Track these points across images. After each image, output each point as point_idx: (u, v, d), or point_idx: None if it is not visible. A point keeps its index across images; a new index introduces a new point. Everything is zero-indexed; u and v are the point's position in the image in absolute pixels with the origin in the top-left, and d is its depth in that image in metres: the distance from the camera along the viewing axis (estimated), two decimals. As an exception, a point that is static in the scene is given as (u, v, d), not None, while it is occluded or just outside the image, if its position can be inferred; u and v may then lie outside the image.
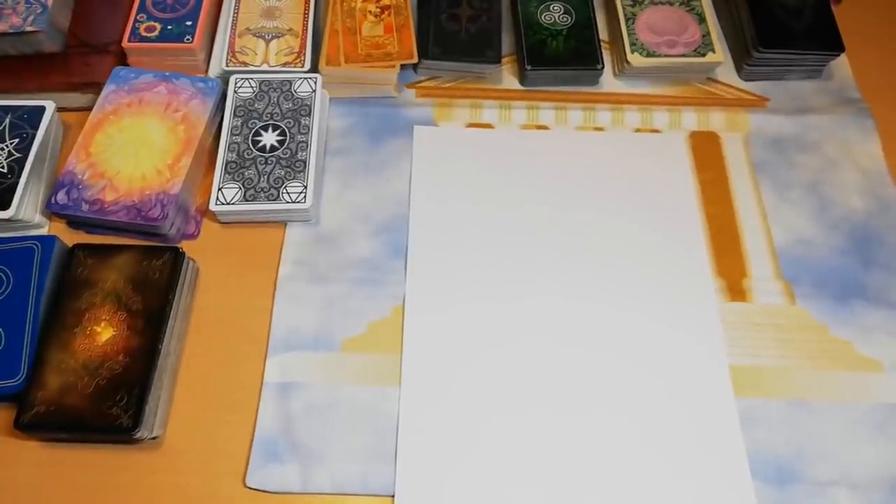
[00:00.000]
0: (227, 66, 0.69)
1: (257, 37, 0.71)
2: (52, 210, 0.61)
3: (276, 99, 0.67)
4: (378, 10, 0.73)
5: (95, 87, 0.68)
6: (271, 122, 0.66)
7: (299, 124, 0.65)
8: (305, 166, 0.63)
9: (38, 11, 0.65)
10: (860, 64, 0.76)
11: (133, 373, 0.53)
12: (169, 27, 0.70)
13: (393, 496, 0.53)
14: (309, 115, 0.66)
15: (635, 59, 0.72)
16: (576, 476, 0.53)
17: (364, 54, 0.70)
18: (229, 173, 0.63)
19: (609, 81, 0.75)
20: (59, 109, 0.67)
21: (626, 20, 0.74)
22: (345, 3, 0.73)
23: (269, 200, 0.62)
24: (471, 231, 0.64)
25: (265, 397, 0.56)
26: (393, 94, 0.72)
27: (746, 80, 0.75)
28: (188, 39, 0.70)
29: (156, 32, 0.70)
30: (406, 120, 0.71)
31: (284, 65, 0.69)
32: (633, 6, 0.75)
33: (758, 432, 0.55)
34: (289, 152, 0.64)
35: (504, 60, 0.74)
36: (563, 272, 0.62)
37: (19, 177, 0.61)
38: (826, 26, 0.73)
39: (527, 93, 0.73)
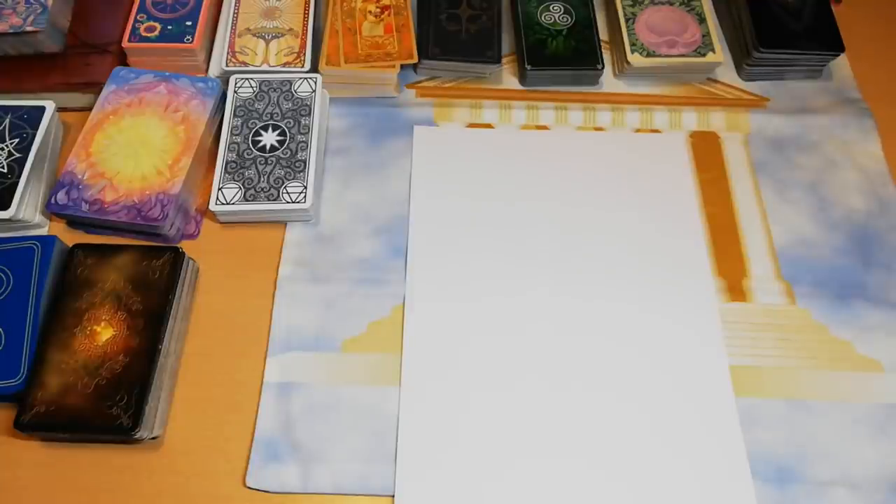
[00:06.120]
0: (227, 66, 0.69)
1: (257, 37, 0.71)
2: (52, 210, 0.61)
3: (276, 99, 0.67)
4: (378, 10, 0.73)
5: (95, 87, 0.68)
6: (271, 122, 0.66)
7: (299, 124, 0.65)
8: (305, 166, 0.63)
9: (38, 11, 0.65)
10: (860, 64, 0.76)
11: (133, 373, 0.53)
12: (169, 27, 0.70)
13: (393, 496, 0.53)
14: (309, 115, 0.66)
15: (635, 59, 0.72)
16: (577, 476, 0.53)
17: (364, 54, 0.70)
18: (229, 173, 0.63)
19: (609, 81, 0.75)
20: (59, 109, 0.67)
21: (626, 20, 0.74)
22: (345, 3, 0.73)
23: (269, 200, 0.62)
24: (471, 231, 0.64)
25: (265, 397, 0.56)
26: (393, 94, 0.72)
27: (746, 80, 0.75)
28: (188, 39, 0.70)
29: (156, 32, 0.70)
30: (406, 120, 0.71)
31: (284, 65, 0.69)
32: (633, 6, 0.75)
33: (758, 432, 0.55)
34: (289, 152, 0.64)
35: (504, 60, 0.74)
36: (564, 272, 0.62)
37: (19, 177, 0.61)
38: (826, 26, 0.73)
39: (527, 93, 0.73)
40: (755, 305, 0.61)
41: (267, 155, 0.64)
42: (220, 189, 0.62)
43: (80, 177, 0.61)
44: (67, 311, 0.55)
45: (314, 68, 0.70)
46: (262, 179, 0.63)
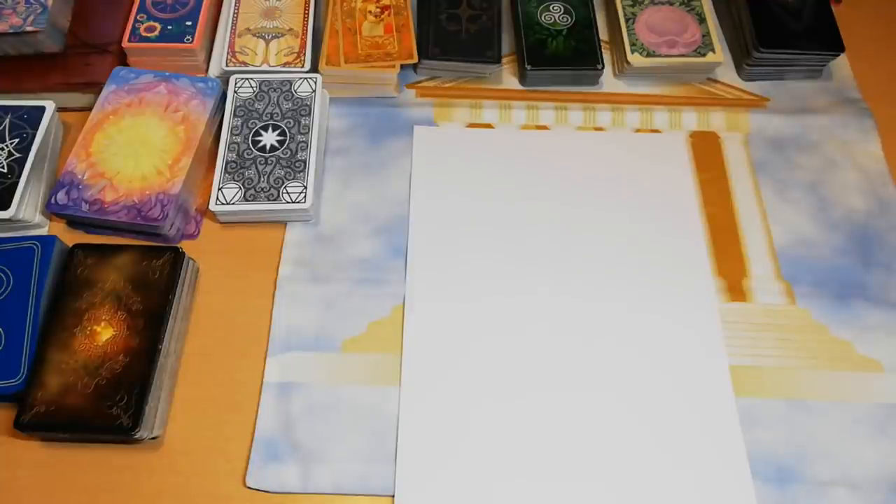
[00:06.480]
0: (227, 66, 0.69)
1: (257, 37, 0.71)
2: (52, 210, 0.61)
3: (276, 99, 0.67)
4: (378, 10, 0.73)
5: (95, 87, 0.68)
6: (271, 122, 0.66)
7: (299, 124, 0.65)
8: (305, 166, 0.63)
9: (38, 11, 0.65)
10: (860, 64, 0.76)
11: (133, 373, 0.53)
12: (169, 27, 0.70)
13: (393, 496, 0.53)
14: (309, 115, 0.66)
15: (635, 59, 0.72)
16: (577, 476, 0.53)
17: (364, 54, 0.70)
18: (229, 173, 0.63)
19: (609, 81, 0.75)
20: (59, 109, 0.67)
21: (626, 20, 0.74)
22: (345, 3, 0.73)
23: (269, 200, 0.62)
24: (471, 231, 0.64)
25: (265, 397, 0.56)
26: (393, 94, 0.72)
27: (746, 80, 0.75)
28: (188, 39, 0.70)
29: (156, 32, 0.70)
30: (406, 120, 0.71)
31: (284, 65, 0.69)
32: (633, 6, 0.75)
33: (758, 432, 0.55)
34: (289, 152, 0.64)
35: (504, 60, 0.74)
36: (564, 273, 0.62)
37: (19, 177, 0.61)
38: (826, 26, 0.73)
39: (527, 93, 0.73)
40: (755, 305, 0.61)
41: (267, 155, 0.64)
42: (220, 189, 0.62)
43: (80, 177, 0.61)
44: (67, 311, 0.55)
45: (314, 68, 0.70)
46: (262, 179, 0.63)
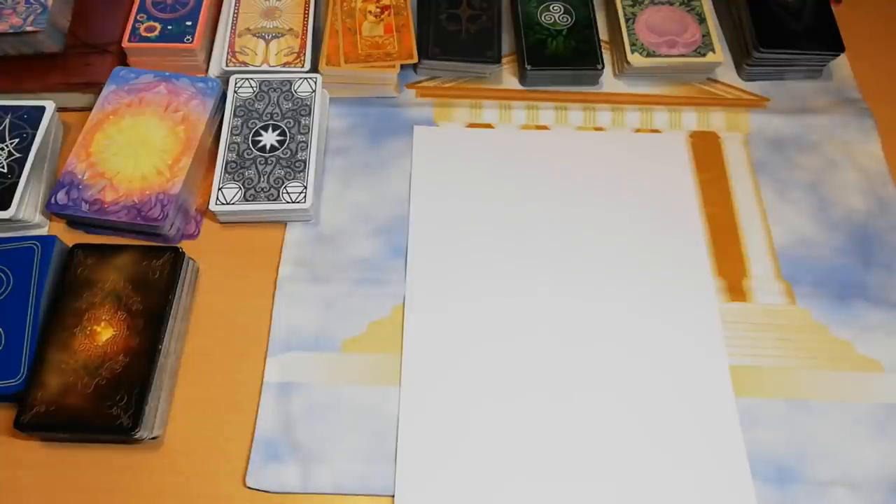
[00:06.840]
0: (227, 66, 0.69)
1: (257, 37, 0.71)
2: (52, 210, 0.61)
3: (276, 99, 0.67)
4: (378, 10, 0.73)
5: (95, 87, 0.68)
6: (271, 122, 0.66)
7: (299, 124, 0.65)
8: (305, 166, 0.63)
9: (38, 11, 0.65)
10: (860, 64, 0.76)
11: (133, 373, 0.53)
12: (169, 27, 0.70)
13: (393, 496, 0.53)
14: (309, 115, 0.66)
15: (635, 59, 0.72)
16: (576, 476, 0.53)
17: (364, 54, 0.70)
18: (229, 173, 0.63)
19: (609, 81, 0.75)
20: (59, 109, 0.67)
21: (626, 20, 0.74)
22: (345, 3, 0.73)
23: (269, 200, 0.62)
24: (471, 231, 0.64)
25: (265, 397, 0.56)
26: (393, 94, 0.72)
27: (746, 80, 0.75)
28: (188, 39, 0.70)
29: (156, 32, 0.70)
30: (406, 120, 0.71)
31: (284, 65, 0.69)
32: (633, 6, 0.75)
33: (758, 432, 0.55)
34: (289, 152, 0.64)
35: (504, 60, 0.74)
36: (564, 272, 0.62)
37: (19, 177, 0.61)
38: (826, 26, 0.73)
39: (527, 93, 0.73)
40: (755, 305, 0.61)
41: (267, 155, 0.64)
42: (220, 189, 0.62)
43: (80, 177, 0.61)
44: (67, 311, 0.55)
45: (314, 68, 0.70)
46: (262, 179, 0.63)
